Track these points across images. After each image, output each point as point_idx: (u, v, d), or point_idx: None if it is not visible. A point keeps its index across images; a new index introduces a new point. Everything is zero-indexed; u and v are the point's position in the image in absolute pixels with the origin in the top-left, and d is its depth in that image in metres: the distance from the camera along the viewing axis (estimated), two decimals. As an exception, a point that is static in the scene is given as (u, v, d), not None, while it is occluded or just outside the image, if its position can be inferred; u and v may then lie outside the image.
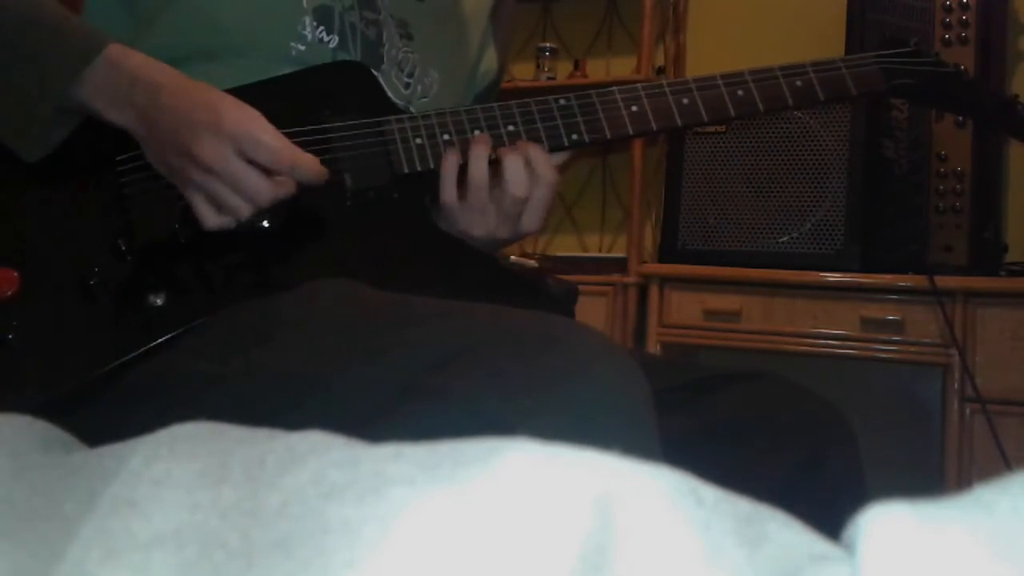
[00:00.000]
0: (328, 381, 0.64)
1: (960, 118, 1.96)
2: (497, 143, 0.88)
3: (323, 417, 0.63)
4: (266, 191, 0.77)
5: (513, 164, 0.86)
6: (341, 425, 0.60)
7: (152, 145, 0.79)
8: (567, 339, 0.59)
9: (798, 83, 0.93)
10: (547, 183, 0.87)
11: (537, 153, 0.87)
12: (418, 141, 0.87)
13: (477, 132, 0.88)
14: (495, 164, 0.87)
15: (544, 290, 0.90)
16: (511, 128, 0.89)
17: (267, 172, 0.77)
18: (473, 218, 0.88)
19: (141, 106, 0.77)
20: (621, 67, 2.70)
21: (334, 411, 0.62)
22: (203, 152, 0.75)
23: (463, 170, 0.88)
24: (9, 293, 0.77)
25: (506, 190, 0.86)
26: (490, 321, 0.63)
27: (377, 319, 0.69)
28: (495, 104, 0.90)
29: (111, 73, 0.78)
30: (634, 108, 0.91)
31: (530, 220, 0.88)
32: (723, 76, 0.93)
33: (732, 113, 0.93)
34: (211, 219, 0.78)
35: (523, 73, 2.68)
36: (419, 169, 0.87)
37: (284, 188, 0.78)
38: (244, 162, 0.76)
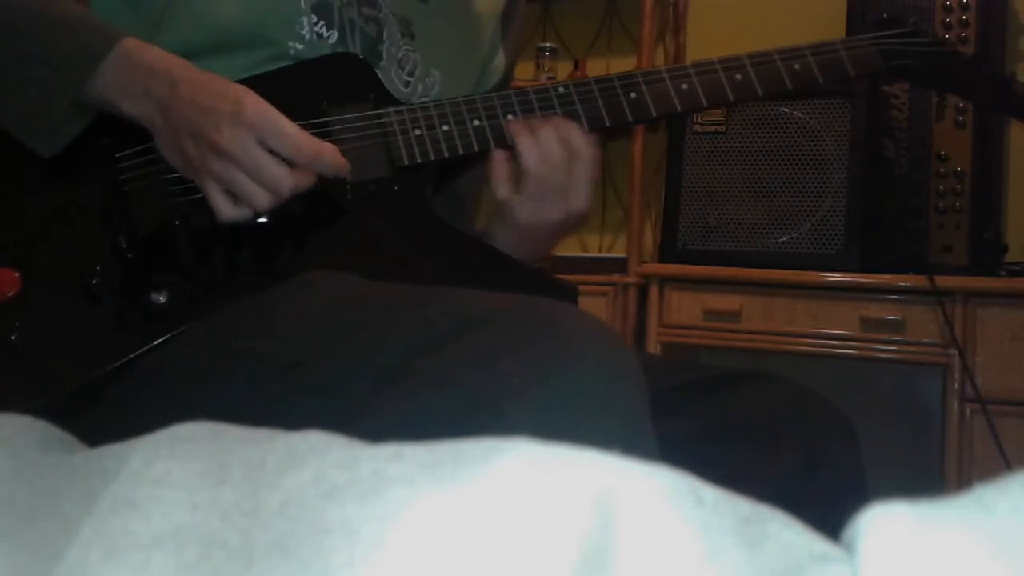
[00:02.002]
0: (325, 368, 0.64)
1: (960, 117, 1.96)
2: (496, 133, 0.88)
3: (321, 404, 0.63)
4: (286, 181, 0.77)
5: (547, 136, 0.87)
6: (339, 411, 0.60)
7: (168, 134, 0.78)
8: (562, 323, 0.59)
9: (796, 66, 0.94)
10: (586, 157, 0.88)
11: (571, 129, 0.88)
12: (417, 132, 0.87)
13: (476, 122, 0.88)
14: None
15: (544, 283, 0.91)
16: (510, 118, 0.88)
17: (287, 164, 0.77)
18: (527, 207, 0.88)
19: (159, 96, 0.77)
20: (621, 67, 2.69)
21: (332, 398, 0.63)
22: (224, 140, 0.75)
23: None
24: (11, 294, 0.77)
25: (546, 159, 0.86)
26: (485, 305, 0.63)
27: (372, 306, 0.70)
28: (494, 94, 0.90)
29: (127, 66, 0.78)
30: (632, 95, 0.91)
31: (578, 197, 0.88)
32: (721, 61, 0.93)
33: (731, 97, 0.92)
34: (227, 210, 0.78)
35: (523, 73, 2.67)
36: (419, 161, 0.87)
37: (304, 179, 0.78)
38: (265, 151, 0.76)
